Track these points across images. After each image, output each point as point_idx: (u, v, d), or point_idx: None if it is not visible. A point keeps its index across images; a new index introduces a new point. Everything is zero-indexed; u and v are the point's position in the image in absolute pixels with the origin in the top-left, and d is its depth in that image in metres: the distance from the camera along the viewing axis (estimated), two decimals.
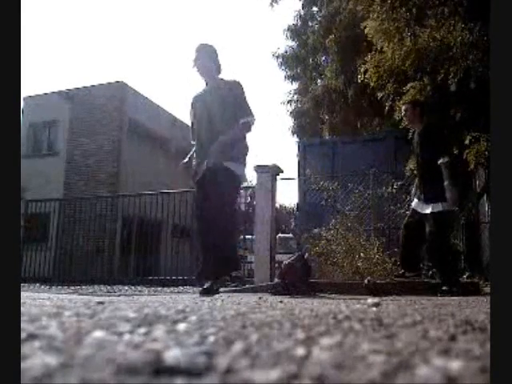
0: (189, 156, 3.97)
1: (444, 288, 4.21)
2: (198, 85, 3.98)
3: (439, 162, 4.30)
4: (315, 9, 14.94)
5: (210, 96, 3.75)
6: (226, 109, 3.64)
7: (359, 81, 7.73)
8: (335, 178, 7.47)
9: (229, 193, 3.57)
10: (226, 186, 3.50)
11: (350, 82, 11.33)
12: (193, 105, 3.94)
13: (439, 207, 4.31)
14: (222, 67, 3.84)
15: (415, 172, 4.65)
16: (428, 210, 4.34)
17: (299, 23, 15.41)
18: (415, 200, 4.58)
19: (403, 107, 4.83)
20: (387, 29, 6.76)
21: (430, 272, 4.57)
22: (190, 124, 4.03)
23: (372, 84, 7.14)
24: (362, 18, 8.32)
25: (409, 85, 6.59)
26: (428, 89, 6.41)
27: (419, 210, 4.47)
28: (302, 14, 15.39)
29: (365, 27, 7.34)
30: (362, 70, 7.30)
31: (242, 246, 8.22)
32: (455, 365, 0.57)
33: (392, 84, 6.92)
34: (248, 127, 3.71)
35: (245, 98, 3.73)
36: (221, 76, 3.84)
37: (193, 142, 3.92)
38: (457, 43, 6.15)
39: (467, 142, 6.20)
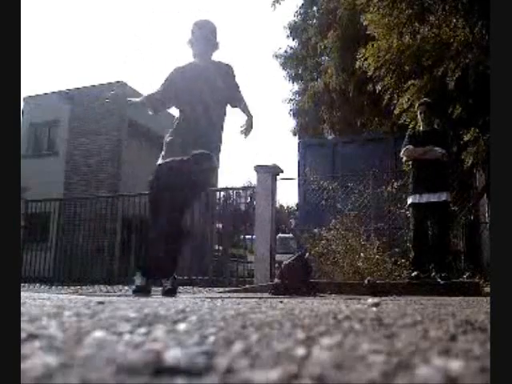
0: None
1: (444, 275, 4.48)
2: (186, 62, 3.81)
3: (439, 151, 4.72)
4: (315, 8, 14.90)
5: (202, 77, 3.65)
6: (218, 96, 3.65)
7: (358, 66, 7.48)
8: (335, 178, 7.48)
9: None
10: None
11: (351, 79, 11.28)
12: (175, 76, 3.75)
13: (444, 196, 4.69)
14: (219, 46, 3.74)
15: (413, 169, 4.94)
16: (434, 199, 4.68)
17: (299, 21, 15.37)
18: (416, 196, 4.81)
19: (420, 107, 5.18)
20: (388, 23, 6.71)
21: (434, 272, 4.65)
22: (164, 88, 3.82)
23: (370, 73, 7.03)
24: (362, 13, 8.23)
25: (409, 82, 6.56)
26: (428, 87, 6.39)
27: (423, 201, 4.74)
28: (302, 11, 15.35)
29: (365, 22, 7.25)
30: (361, 56, 7.18)
31: (243, 245, 8.20)
32: (455, 365, 0.57)
33: (391, 76, 6.87)
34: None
35: (238, 86, 3.74)
36: (213, 57, 3.75)
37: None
38: (457, 41, 6.13)
39: (466, 140, 6.21)
